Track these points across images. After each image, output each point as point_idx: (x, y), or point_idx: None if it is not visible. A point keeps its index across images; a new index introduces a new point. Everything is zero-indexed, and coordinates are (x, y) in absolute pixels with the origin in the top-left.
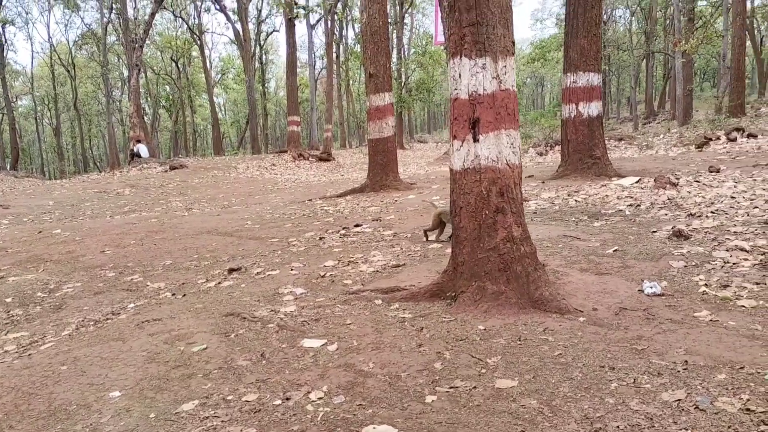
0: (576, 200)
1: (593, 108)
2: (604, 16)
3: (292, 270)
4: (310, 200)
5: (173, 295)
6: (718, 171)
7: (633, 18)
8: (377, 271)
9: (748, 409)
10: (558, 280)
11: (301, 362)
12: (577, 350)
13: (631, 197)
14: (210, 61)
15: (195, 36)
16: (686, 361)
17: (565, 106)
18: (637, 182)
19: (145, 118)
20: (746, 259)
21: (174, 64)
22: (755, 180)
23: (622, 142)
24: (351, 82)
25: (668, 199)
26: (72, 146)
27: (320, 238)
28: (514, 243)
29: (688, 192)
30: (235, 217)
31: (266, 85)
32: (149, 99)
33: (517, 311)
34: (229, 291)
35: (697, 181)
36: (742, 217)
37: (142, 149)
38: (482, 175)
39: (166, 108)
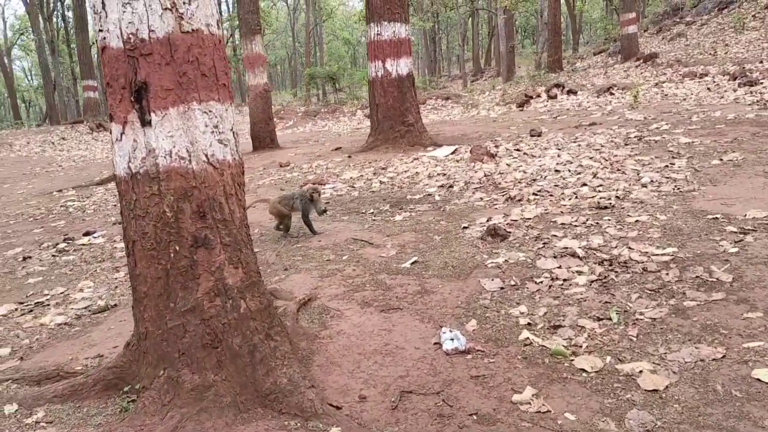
0: (381, 180)
1: (402, 65)
2: None
3: None
4: (60, 191)
5: None
6: (539, 135)
7: None
8: (68, 323)
9: None
10: (323, 329)
11: None
12: None
13: (444, 174)
14: (3, 19)
15: None
16: None
17: (372, 63)
18: (452, 153)
19: None
20: (580, 272)
21: None
22: (579, 146)
23: (449, 101)
24: None
25: (485, 175)
26: None
27: (24, 259)
28: (228, 297)
29: (508, 165)
30: None
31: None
32: None
33: (233, 421)
34: None
35: (517, 150)
36: (570, 200)
37: None
38: (163, 184)
39: None
